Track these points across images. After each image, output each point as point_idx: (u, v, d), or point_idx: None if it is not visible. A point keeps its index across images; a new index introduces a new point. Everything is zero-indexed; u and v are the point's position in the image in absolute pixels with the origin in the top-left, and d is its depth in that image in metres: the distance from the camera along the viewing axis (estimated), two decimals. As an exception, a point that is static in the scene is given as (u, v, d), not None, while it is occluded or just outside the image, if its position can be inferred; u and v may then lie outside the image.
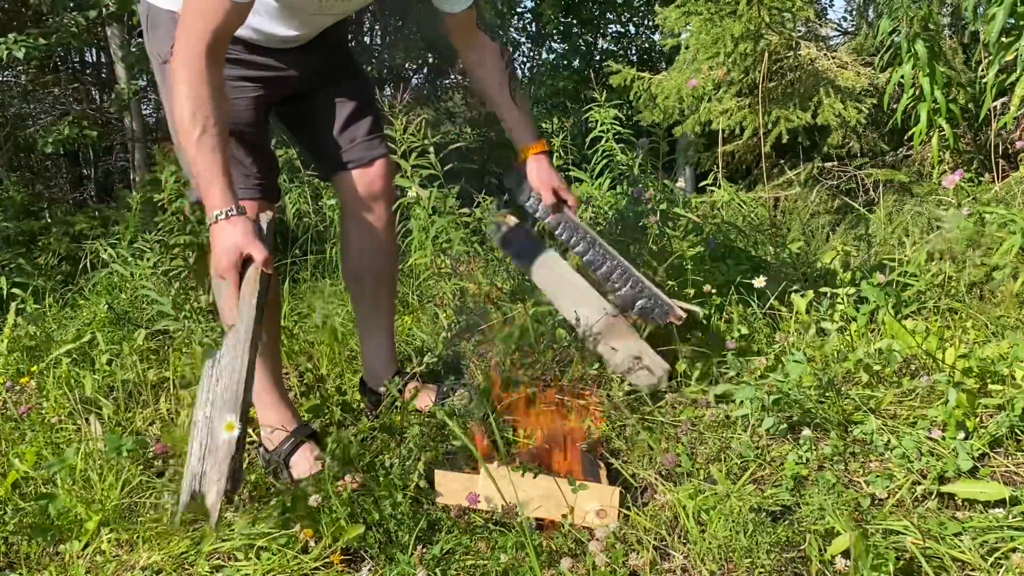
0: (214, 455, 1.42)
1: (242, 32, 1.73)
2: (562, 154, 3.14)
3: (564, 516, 1.48)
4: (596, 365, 2.09)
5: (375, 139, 1.99)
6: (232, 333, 1.51)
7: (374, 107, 2.03)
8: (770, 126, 4.31)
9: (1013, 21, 3.38)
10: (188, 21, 1.53)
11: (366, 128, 1.97)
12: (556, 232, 2.08)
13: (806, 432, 1.69)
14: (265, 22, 1.73)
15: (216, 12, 1.51)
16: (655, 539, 1.41)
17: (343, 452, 1.64)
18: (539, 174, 2.04)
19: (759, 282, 2.30)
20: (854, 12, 6.99)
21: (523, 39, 11.83)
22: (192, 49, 1.51)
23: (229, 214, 1.51)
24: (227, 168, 1.53)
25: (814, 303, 2.37)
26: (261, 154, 1.81)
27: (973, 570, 1.30)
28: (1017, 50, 3.25)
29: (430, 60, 10.52)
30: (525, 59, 12.13)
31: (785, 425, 1.78)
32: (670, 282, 2.44)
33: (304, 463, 1.78)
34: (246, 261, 1.54)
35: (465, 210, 3.06)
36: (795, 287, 2.52)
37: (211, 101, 1.52)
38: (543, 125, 3.52)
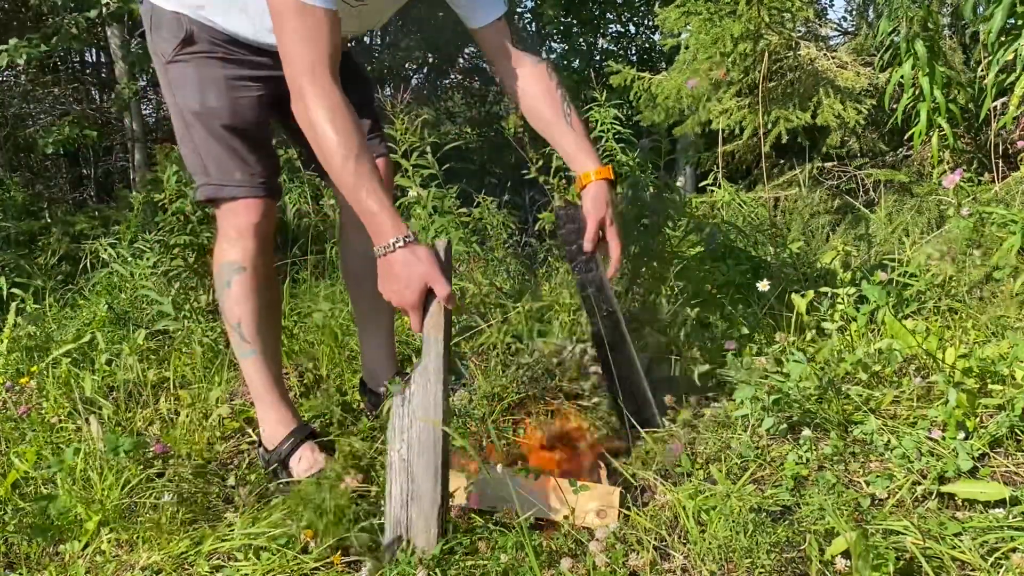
0: (419, 503, 1.41)
1: (250, 36, 1.73)
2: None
3: (565, 517, 1.48)
4: (594, 368, 2.09)
5: (375, 138, 1.99)
6: (421, 372, 1.45)
7: (373, 107, 2.03)
8: (770, 126, 4.31)
9: (1013, 21, 3.38)
10: (299, 51, 1.46)
11: (366, 128, 1.97)
12: (580, 292, 1.80)
13: (806, 432, 1.69)
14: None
15: (321, 28, 1.46)
16: (655, 539, 1.41)
17: (349, 456, 1.64)
18: (595, 202, 1.71)
19: (763, 285, 2.30)
20: (854, 12, 6.99)
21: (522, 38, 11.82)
22: (320, 74, 1.45)
23: (408, 241, 1.42)
24: (390, 194, 1.49)
25: (814, 303, 2.37)
26: (265, 152, 1.81)
27: (973, 570, 1.30)
28: (1016, 50, 3.25)
29: (430, 60, 10.53)
30: (525, 59, 12.11)
31: (785, 425, 1.78)
32: (677, 282, 2.43)
33: (304, 463, 1.77)
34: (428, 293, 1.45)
35: (465, 210, 3.06)
36: (795, 287, 2.52)
37: (356, 126, 1.46)
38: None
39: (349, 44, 1.87)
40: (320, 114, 1.44)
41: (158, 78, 1.83)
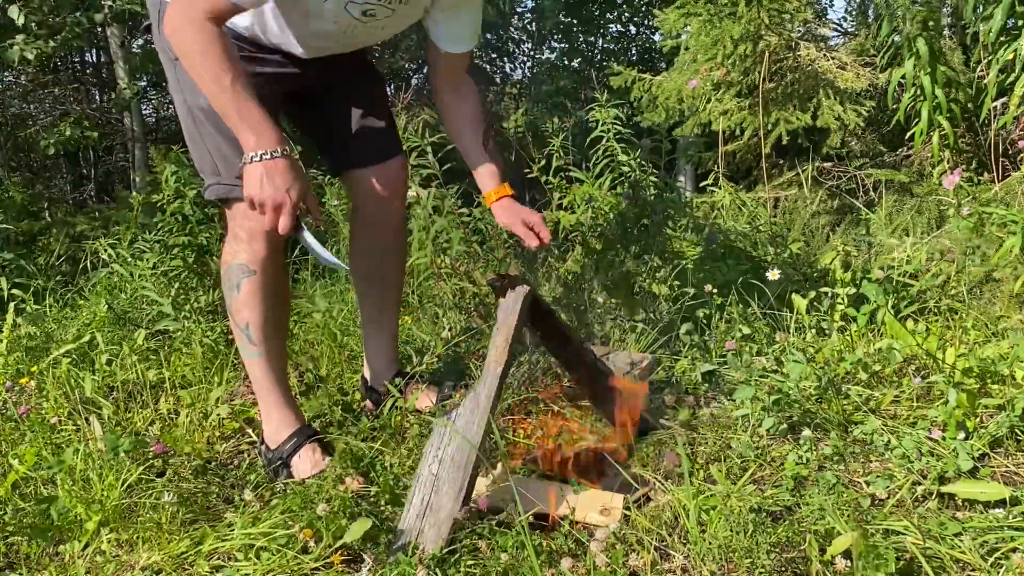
0: (435, 515, 1.44)
1: (259, 34, 1.73)
2: (562, 154, 3.14)
3: (564, 517, 1.48)
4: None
5: (392, 138, 1.99)
6: (472, 398, 1.50)
7: (387, 105, 2.03)
8: (770, 127, 4.31)
9: (1013, 21, 3.38)
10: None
11: (383, 126, 1.97)
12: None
13: (806, 432, 1.69)
14: (291, 42, 1.75)
15: None
16: (655, 539, 1.41)
17: (350, 456, 1.64)
18: (507, 213, 1.89)
19: (773, 275, 2.31)
20: (854, 12, 6.99)
21: (523, 39, 11.83)
22: (192, 9, 1.50)
23: (276, 154, 1.52)
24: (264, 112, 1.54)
25: (814, 303, 2.37)
26: None
27: (973, 570, 1.30)
28: (1016, 49, 3.25)
29: (430, 60, 10.50)
30: (525, 59, 12.14)
31: (785, 425, 1.78)
32: (675, 281, 2.44)
33: (306, 464, 1.78)
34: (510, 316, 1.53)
35: (465, 210, 3.06)
36: (795, 287, 2.52)
37: (225, 46, 1.51)
38: (542, 126, 3.53)
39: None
40: (194, 37, 1.50)
41: (166, 76, 1.82)
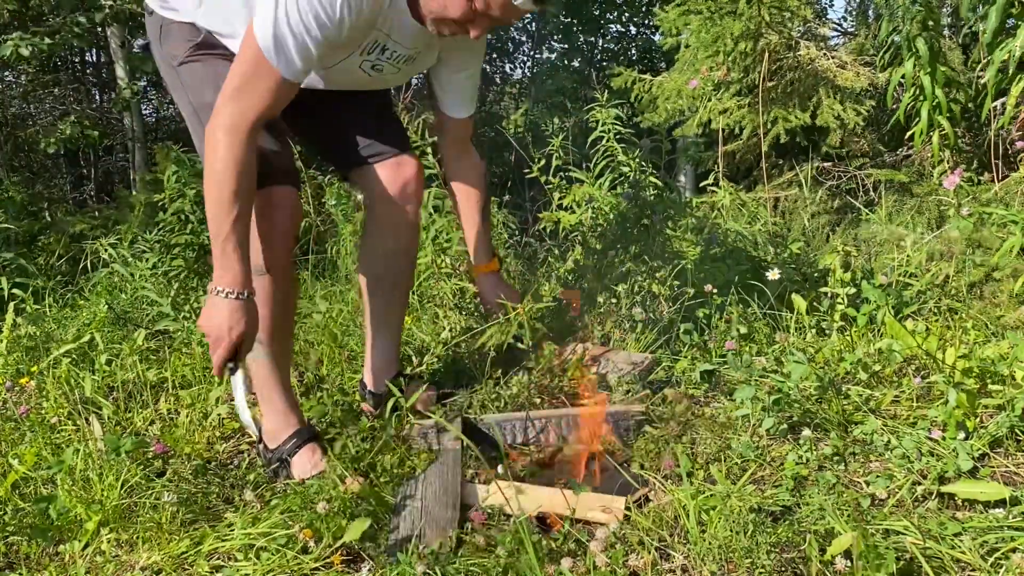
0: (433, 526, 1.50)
1: None
2: (562, 154, 3.14)
3: (564, 517, 1.48)
4: (594, 369, 2.09)
5: (404, 136, 2.01)
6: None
7: (394, 110, 2.05)
8: (770, 126, 4.30)
9: (1012, 21, 3.38)
10: (241, 89, 1.54)
11: (394, 128, 2.00)
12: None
13: (806, 432, 1.69)
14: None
15: (270, 89, 1.54)
16: (655, 539, 1.41)
17: (348, 454, 1.64)
18: (490, 288, 2.13)
19: (773, 275, 2.31)
20: (854, 12, 6.99)
21: (523, 39, 11.84)
22: (243, 120, 1.53)
23: (239, 296, 1.56)
24: (247, 253, 1.59)
25: (814, 303, 2.37)
26: (281, 141, 1.81)
27: (973, 570, 1.30)
28: (1011, 50, 3.25)
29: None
30: (525, 59, 12.14)
31: (785, 425, 1.78)
32: (675, 281, 2.44)
33: (305, 463, 1.78)
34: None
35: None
36: (795, 287, 2.53)
37: (248, 182, 1.56)
38: (543, 125, 3.53)
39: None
40: (223, 154, 1.53)
41: (168, 87, 1.84)
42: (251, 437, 2.01)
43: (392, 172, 1.94)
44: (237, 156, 1.53)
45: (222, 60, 1.72)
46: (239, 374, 1.61)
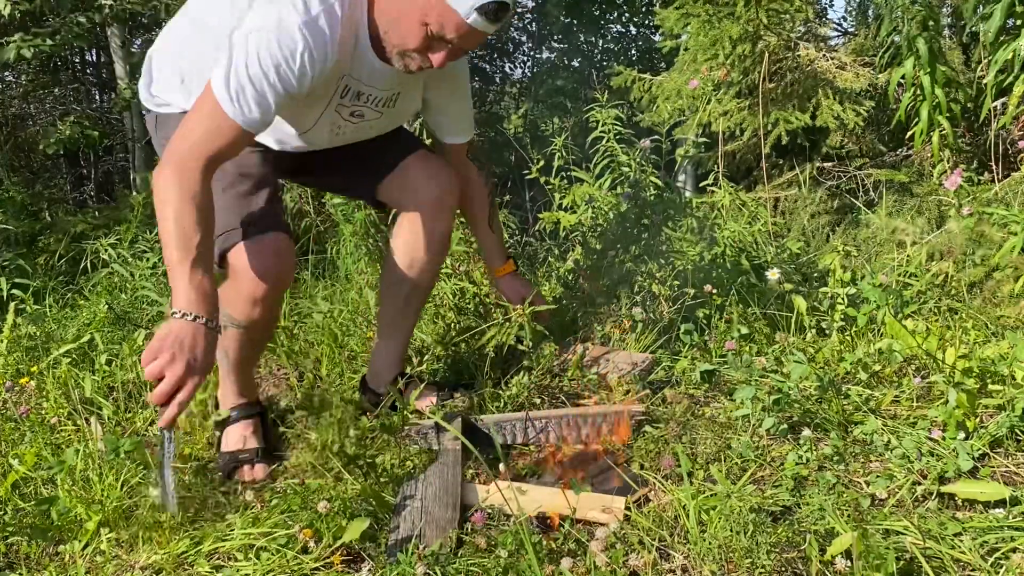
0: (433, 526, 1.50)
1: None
2: (563, 154, 3.13)
3: (564, 517, 1.48)
4: (594, 370, 2.09)
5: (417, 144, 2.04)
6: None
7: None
8: (770, 127, 4.30)
9: (1012, 21, 3.38)
10: (191, 131, 1.52)
11: (413, 137, 2.05)
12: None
13: (806, 432, 1.69)
14: (284, 143, 1.81)
15: (222, 132, 1.52)
16: (655, 539, 1.41)
17: (347, 454, 1.64)
18: (513, 286, 2.17)
19: (773, 275, 2.31)
20: (854, 12, 6.99)
21: (523, 39, 11.83)
22: (190, 158, 1.50)
23: (207, 322, 1.46)
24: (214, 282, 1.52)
25: (814, 303, 2.37)
26: (273, 195, 1.80)
27: (973, 570, 1.30)
28: (1015, 50, 3.25)
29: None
30: (525, 59, 12.13)
31: (785, 425, 1.78)
32: (675, 282, 2.44)
33: (235, 436, 1.85)
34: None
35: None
36: (795, 287, 2.52)
37: (203, 224, 1.49)
38: (543, 126, 3.52)
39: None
40: (172, 194, 1.48)
41: (147, 130, 1.87)
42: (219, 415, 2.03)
43: (425, 173, 1.95)
44: (193, 189, 1.48)
45: None
46: (170, 439, 1.46)
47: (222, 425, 1.90)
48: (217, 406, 1.96)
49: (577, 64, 10.95)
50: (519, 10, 10.85)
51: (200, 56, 1.69)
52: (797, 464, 1.61)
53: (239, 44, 1.51)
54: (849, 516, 1.42)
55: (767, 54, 4.23)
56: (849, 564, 1.25)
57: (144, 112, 1.87)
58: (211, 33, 1.67)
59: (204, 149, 1.51)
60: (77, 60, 9.65)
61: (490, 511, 1.55)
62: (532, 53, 12.01)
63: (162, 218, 1.48)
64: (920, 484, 1.53)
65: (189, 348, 1.42)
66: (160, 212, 1.49)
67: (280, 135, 1.80)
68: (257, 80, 1.50)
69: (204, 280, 1.48)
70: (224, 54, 1.52)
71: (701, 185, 4.70)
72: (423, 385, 1.99)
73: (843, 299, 2.29)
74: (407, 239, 1.99)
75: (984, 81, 3.61)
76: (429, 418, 1.82)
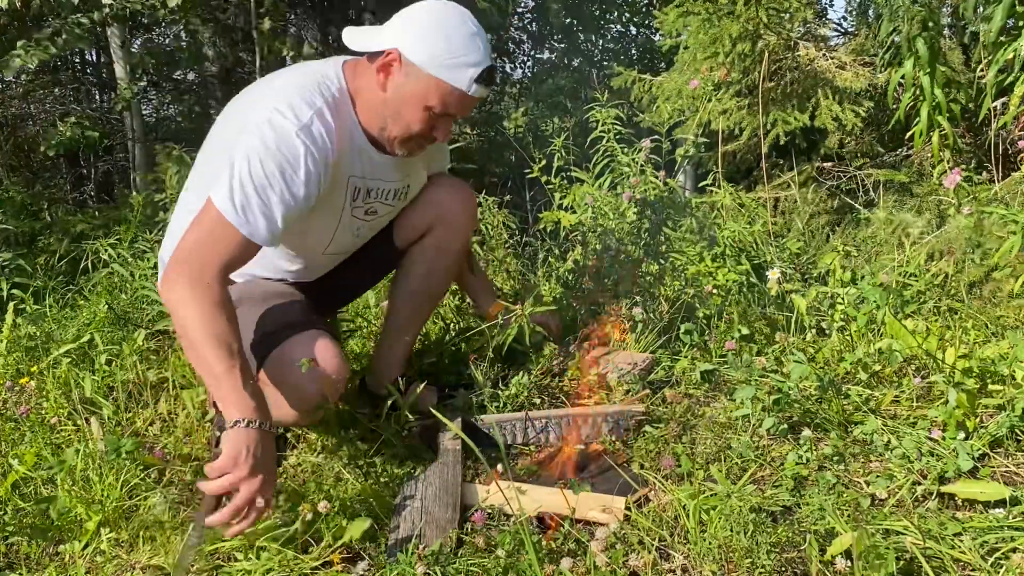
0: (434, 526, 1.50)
1: (269, 275, 1.80)
2: (563, 154, 3.13)
3: (564, 517, 1.48)
4: (594, 370, 2.09)
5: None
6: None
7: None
8: (769, 127, 4.30)
9: (1013, 21, 3.38)
10: (199, 244, 1.48)
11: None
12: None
13: (806, 432, 1.69)
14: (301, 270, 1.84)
15: (228, 244, 1.49)
16: (656, 539, 1.41)
17: (347, 454, 1.64)
18: (506, 322, 2.12)
19: (773, 275, 2.31)
20: (854, 12, 6.99)
21: (523, 39, 11.83)
22: (205, 269, 1.46)
23: (261, 425, 1.39)
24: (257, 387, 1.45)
25: (814, 303, 2.37)
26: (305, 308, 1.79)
27: (973, 570, 1.30)
28: (1016, 50, 3.25)
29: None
30: (525, 59, 12.13)
31: (785, 425, 1.78)
32: (675, 282, 2.44)
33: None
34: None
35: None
36: (795, 287, 2.52)
37: (235, 330, 1.45)
38: (543, 126, 3.52)
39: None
40: (194, 310, 1.43)
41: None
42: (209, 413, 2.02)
43: (447, 188, 1.97)
44: (214, 298, 1.44)
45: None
46: (201, 522, 1.41)
47: (218, 421, 1.89)
48: (214, 404, 1.96)
49: (577, 64, 10.95)
50: (519, 10, 10.85)
51: None
52: (797, 464, 1.61)
53: (239, 159, 1.49)
54: (849, 516, 1.42)
55: (767, 53, 4.23)
56: (849, 564, 1.25)
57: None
58: None
59: (216, 260, 1.47)
60: (77, 60, 9.65)
61: (490, 511, 1.55)
62: (532, 53, 12.01)
63: (189, 333, 1.42)
64: (920, 484, 1.53)
65: (257, 455, 1.36)
66: (185, 329, 1.43)
67: (306, 259, 1.81)
68: (262, 190, 1.49)
69: (254, 384, 1.43)
70: (224, 171, 1.50)
71: (701, 185, 4.70)
72: (423, 385, 1.99)
73: (843, 299, 2.29)
74: (428, 246, 1.99)
75: (984, 81, 3.61)
76: (429, 418, 1.82)
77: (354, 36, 1.63)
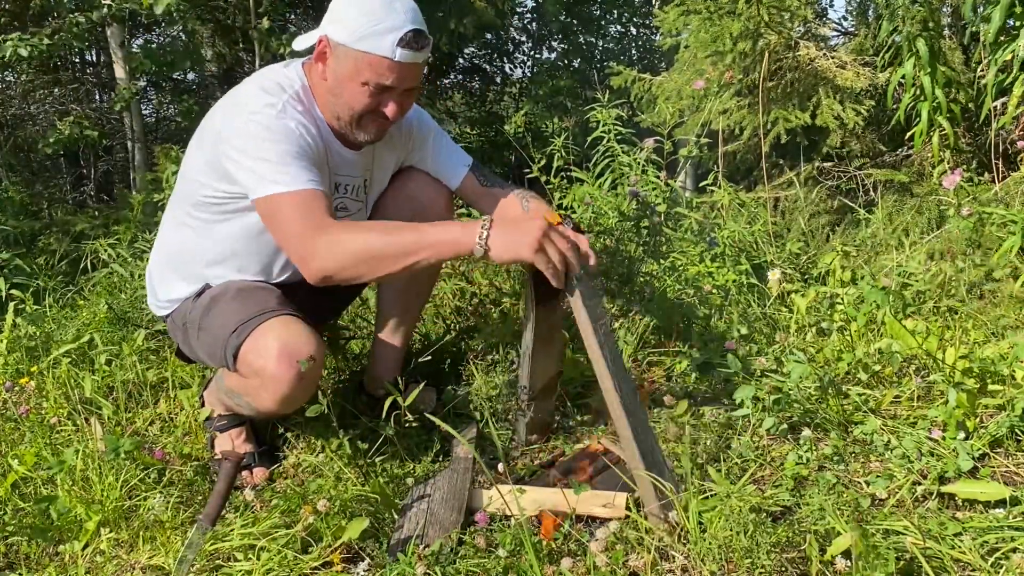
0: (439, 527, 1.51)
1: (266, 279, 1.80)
2: (563, 154, 3.14)
3: (564, 517, 1.48)
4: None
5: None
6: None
7: None
8: (769, 126, 4.31)
9: (1012, 22, 3.38)
10: (292, 223, 1.52)
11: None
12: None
13: (806, 432, 1.69)
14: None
15: (301, 205, 1.53)
16: (655, 539, 1.41)
17: (346, 454, 1.64)
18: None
19: (773, 275, 2.31)
20: (854, 12, 6.99)
21: (523, 39, 11.84)
22: (319, 219, 1.51)
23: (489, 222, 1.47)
24: None
25: (814, 303, 2.37)
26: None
27: (973, 570, 1.30)
28: (1014, 50, 3.25)
29: (430, 60, 10.52)
30: (525, 59, 12.14)
31: (785, 425, 1.78)
32: (671, 281, 2.43)
33: (226, 442, 1.88)
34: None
35: (464, 210, 3.06)
36: (795, 287, 2.53)
37: (378, 220, 1.57)
38: (543, 126, 3.53)
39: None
40: (356, 235, 1.51)
41: (177, 340, 1.88)
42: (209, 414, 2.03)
43: (417, 182, 1.94)
44: (346, 223, 1.56)
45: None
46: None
47: (209, 423, 1.93)
48: (203, 404, 1.99)
49: (577, 64, 10.96)
50: (519, 10, 10.85)
51: (181, 244, 1.79)
52: (797, 464, 1.61)
53: (242, 159, 1.56)
54: (849, 516, 1.42)
55: (768, 52, 4.23)
56: (849, 564, 1.25)
57: (163, 321, 1.92)
58: (189, 230, 1.77)
59: (314, 220, 1.52)
60: (77, 60, 9.65)
61: (493, 513, 1.55)
62: (532, 53, 12.01)
63: (373, 249, 1.49)
64: (920, 484, 1.53)
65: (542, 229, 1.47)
66: (369, 252, 1.49)
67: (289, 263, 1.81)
68: (279, 158, 1.54)
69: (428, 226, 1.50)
70: (240, 175, 1.57)
71: (701, 185, 4.70)
72: (422, 385, 1.99)
73: (843, 299, 2.29)
74: None
75: (984, 81, 3.61)
76: (428, 418, 1.82)
77: (300, 38, 1.69)
